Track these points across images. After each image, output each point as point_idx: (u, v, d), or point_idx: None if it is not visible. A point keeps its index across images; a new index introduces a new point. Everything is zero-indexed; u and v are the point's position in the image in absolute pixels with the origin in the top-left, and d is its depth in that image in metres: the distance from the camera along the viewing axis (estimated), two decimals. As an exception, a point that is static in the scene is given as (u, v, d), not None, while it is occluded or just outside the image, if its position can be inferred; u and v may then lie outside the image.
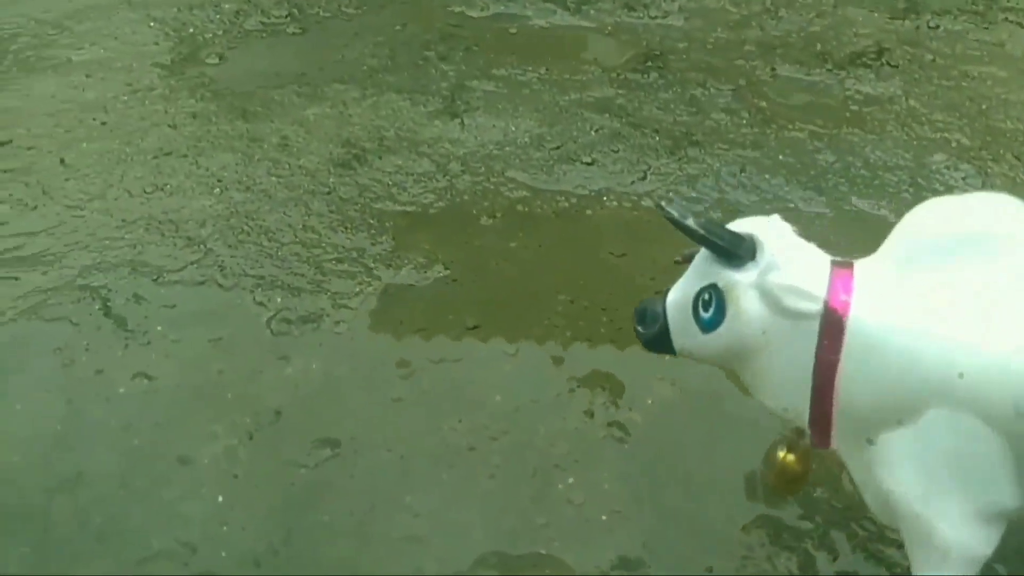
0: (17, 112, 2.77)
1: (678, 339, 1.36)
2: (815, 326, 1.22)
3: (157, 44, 3.15)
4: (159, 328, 2.00)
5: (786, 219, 1.33)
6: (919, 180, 2.54)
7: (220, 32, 3.24)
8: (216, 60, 3.08)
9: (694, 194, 2.46)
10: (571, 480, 1.69)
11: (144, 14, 3.35)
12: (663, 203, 1.35)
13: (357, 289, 2.14)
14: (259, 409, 1.82)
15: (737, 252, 1.26)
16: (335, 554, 1.56)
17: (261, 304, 2.08)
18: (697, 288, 1.32)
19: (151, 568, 1.54)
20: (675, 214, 1.27)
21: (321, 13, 3.42)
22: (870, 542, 1.58)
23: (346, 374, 1.92)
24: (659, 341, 1.39)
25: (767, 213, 1.35)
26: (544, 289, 2.16)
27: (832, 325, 1.21)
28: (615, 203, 2.45)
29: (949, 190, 2.50)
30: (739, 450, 1.71)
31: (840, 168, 2.58)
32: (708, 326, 1.31)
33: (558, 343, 2.02)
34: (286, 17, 3.36)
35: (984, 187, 2.49)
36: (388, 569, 1.54)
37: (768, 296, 1.24)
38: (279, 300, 2.09)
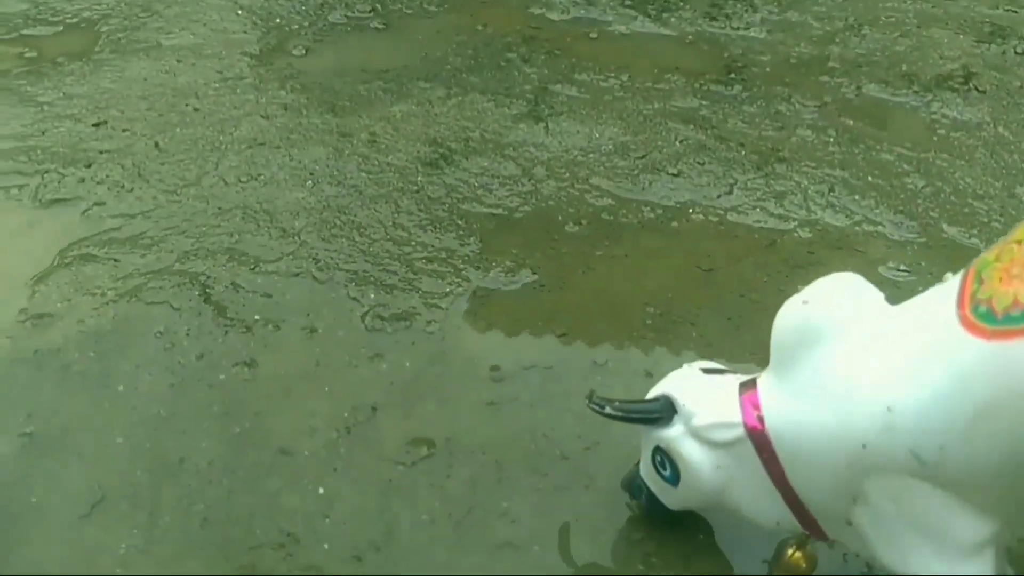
0: (111, 94, 2.82)
1: (664, 500, 1.55)
2: (749, 446, 1.37)
3: (245, 32, 3.19)
4: (257, 317, 2.03)
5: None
6: (1010, 210, 2.51)
7: (306, 24, 3.27)
8: (302, 52, 3.11)
9: (782, 211, 2.45)
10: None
11: (231, 1, 3.40)
12: (586, 401, 1.54)
13: (447, 289, 2.16)
14: (356, 404, 1.85)
15: (657, 416, 1.46)
16: (435, 556, 1.58)
17: (355, 299, 2.10)
18: (649, 455, 1.52)
19: (256, 558, 1.57)
20: (596, 407, 1.50)
21: (404, 9, 3.44)
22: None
23: (439, 374, 1.94)
24: (655, 507, 1.57)
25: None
26: (631, 300, 2.17)
27: (759, 441, 1.36)
28: (701, 216, 2.44)
29: (1041, 222, 2.46)
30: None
31: (930, 193, 2.55)
32: (672, 482, 1.49)
33: (648, 356, 2.02)
34: (370, 12, 3.38)
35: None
36: (489, 574, 1.56)
37: (700, 438, 1.42)
38: (372, 296, 2.11)
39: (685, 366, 1.54)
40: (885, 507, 1.26)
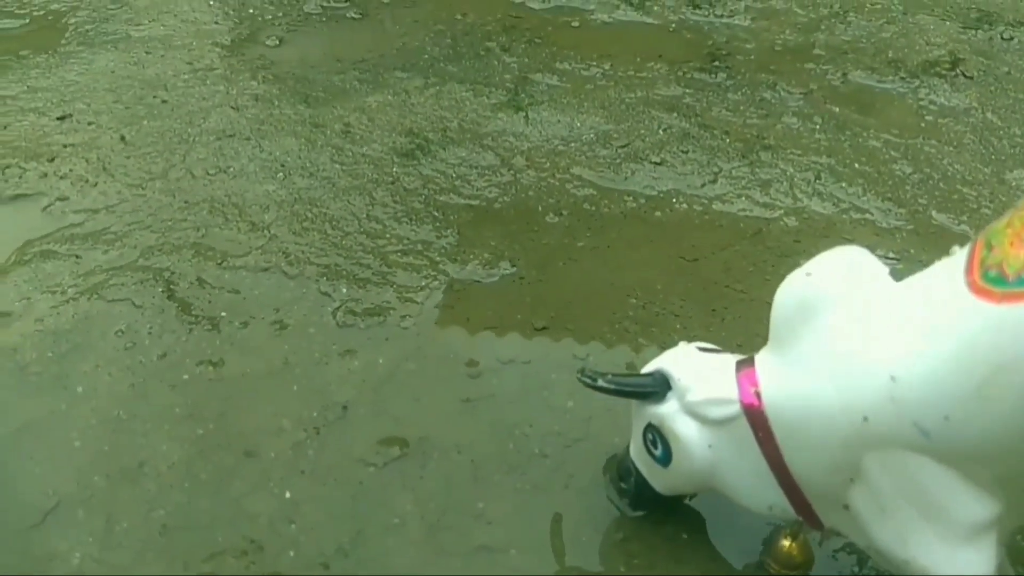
0: (77, 87, 2.73)
1: (654, 482, 1.49)
2: (746, 425, 1.32)
3: (217, 23, 3.10)
4: (223, 314, 1.95)
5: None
6: (1000, 196, 2.45)
7: (280, 14, 3.19)
8: (276, 42, 3.03)
9: (767, 199, 2.38)
10: (649, 494, 1.63)
11: (203, -8, 3.31)
12: (578, 374, 1.49)
13: (423, 283, 2.08)
14: (326, 403, 1.77)
15: (652, 390, 1.41)
16: (406, 561, 1.51)
17: (326, 294, 2.02)
18: (641, 432, 1.46)
19: (216, 566, 1.49)
20: (588, 380, 1.46)
21: (381, -1, 3.36)
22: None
23: (413, 371, 1.87)
24: (643, 490, 1.52)
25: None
26: (614, 291, 2.10)
27: (755, 419, 1.32)
28: (685, 205, 2.38)
29: (1032, 208, 2.41)
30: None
31: (918, 180, 2.49)
32: (663, 462, 1.43)
33: (631, 348, 1.95)
34: (346, 2, 3.30)
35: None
36: (462, 579, 1.49)
37: (694, 415, 1.37)
38: (344, 291, 2.04)
39: (681, 344, 1.49)
40: (884, 485, 1.21)
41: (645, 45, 3.14)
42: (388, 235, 2.21)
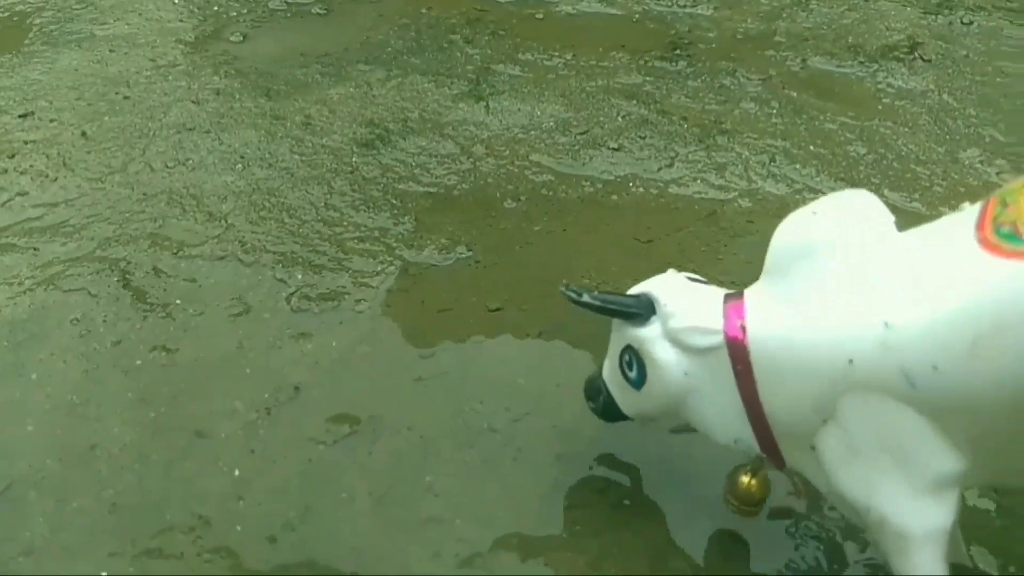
0: (40, 85, 2.75)
1: (623, 404, 1.50)
2: (726, 357, 1.32)
3: (181, 21, 3.12)
4: (178, 301, 1.97)
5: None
6: (952, 174, 2.48)
7: (244, 11, 3.20)
8: (240, 38, 3.05)
9: (722, 182, 2.41)
10: (595, 465, 1.65)
11: (168, -9, 3.33)
12: (562, 288, 1.49)
13: (379, 268, 2.10)
14: (278, 384, 1.79)
15: (636, 311, 1.40)
16: (353, 533, 1.53)
17: (281, 280, 2.04)
18: (618, 353, 1.46)
19: (164, 542, 1.51)
20: (573, 295, 1.45)
21: (347, -6, 3.38)
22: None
23: (366, 352, 1.89)
24: (610, 411, 1.52)
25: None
26: (569, 274, 2.12)
27: (736, 351, 1.31)
28: (642, 189, 2.40)
29: (984, 185, 2.44)
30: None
31: (872, 160, 2.52)
32: (637, 384, 1.43)
33: (585, 327, 1.96)
34: (311, -2, 3.32)
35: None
36: (407, 549, 1.51)
37: (675, 341, 1.37)
38: (300, 277, 2.06)
39: (670, 271, 1.48)
40: (857, 428, 1.22)
41: (608, 35, 3.17)
42: (345, 223, 2.23)
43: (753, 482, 1.46)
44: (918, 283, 1.17)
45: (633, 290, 1.46)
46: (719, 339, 1.33)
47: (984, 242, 1.12)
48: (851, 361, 1.19)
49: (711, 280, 1.50)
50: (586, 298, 1.44)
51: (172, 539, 1.50)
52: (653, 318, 1.39)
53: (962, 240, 1.15)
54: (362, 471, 1.63)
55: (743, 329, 1.31)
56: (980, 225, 1.15)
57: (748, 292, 1.36)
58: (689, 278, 1.46)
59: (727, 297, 1.38)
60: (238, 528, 1.52)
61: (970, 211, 1.19)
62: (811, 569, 1.47)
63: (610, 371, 1.50)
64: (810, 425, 1.27)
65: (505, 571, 1.48)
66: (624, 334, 1.44)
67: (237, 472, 1.62)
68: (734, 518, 1.50)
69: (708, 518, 1.54)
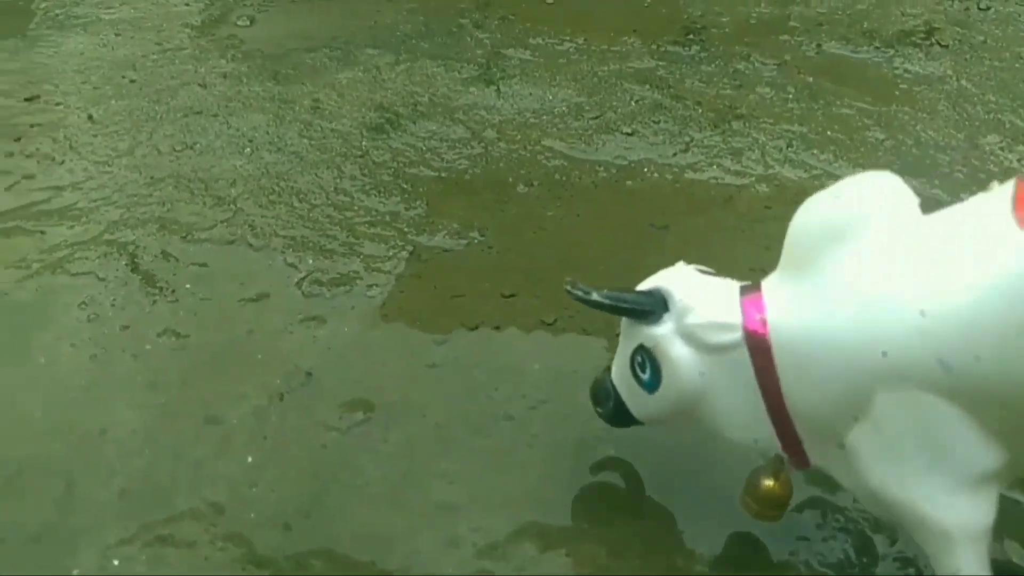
0: (46, 69, 2.72)
1: (634, 408, 1.41)
2: (744, 353, 1.25)
3: (187, 5, 3.09)
4: (187, 286, 1.94)
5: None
6: (972, 161, 2.44)
7: (251, -6, 3.18)
8: (247, 22, 3.01)
9: (739, 167, 2.37)
10: (612, 452, 1.62)
11: (175, -25, 3.29)
12: (567, 286, 1.39)
13: (390, 253, 2.07)
14: (290, 370, 1.76)
15: (648, 309, 1.31)
16: (367, 520, 1.50)
17: (292, 265, 2.01)
18: (629, 354, 1.37)
19: (176, 528, 1.48)
20: (580, 293, 1.36)
21: (354, -22, 3.34)
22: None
23: (379, 338, 1.86)
24: (619, 416, 1.44)
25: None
26: (583, 259, 2.09)
27: (758, 347, 1.24)
28: (656, 175, 2.37)
29: (1004, 172, 2.40)
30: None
31: (891, 146, 2.48)
32: (650, 387, 1.35)
33: (598, 314, 1.93)
34: (318, -18, 3.28)
35: (1043, 168, 2.40)
36: (422, 536, 1.47)
37: (691, 339, 1.29)
38: (311, 262, 2.02)
39: (679, 263, 1.39)
40: (892, 424, 1.15)
41: (620, 20, 3.13)
42: (356, 207, 2.20)
43: (776, 484, 1.39)
44: (953, 267, 1.11)
45: (643, 285, 1.38)
46: (738, 335, 1.25)
47: (1023, 222, 1.07)
48: (885, 353, 1.13)
49: (732, 266, 1.45)
50: (595, 297, 1.35)
51: (184, 526, 1.47)
52: (667, 315, 1.31)
53: (998, 221, 1.10)
54: (376, 458, 1.60)
55: (763, 323, 1.24)
56: (1017, 206, 1.09)
57: (765, 283, 1.29)
58: (699, 270, 1.38)
59: (743, 289, 1.30)
60: (251, 515, 1.49)
61: (999, 191, 1.14)
62: (840, 563, 1.44)
63: (620, 373, 1.42)
64: (839, 422, 1.20)
65: (523, 560, 1.45)
66: (636, 333, 1.35)
67: (250, 458, 1.59)
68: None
69: (734, 506, 1.50)
